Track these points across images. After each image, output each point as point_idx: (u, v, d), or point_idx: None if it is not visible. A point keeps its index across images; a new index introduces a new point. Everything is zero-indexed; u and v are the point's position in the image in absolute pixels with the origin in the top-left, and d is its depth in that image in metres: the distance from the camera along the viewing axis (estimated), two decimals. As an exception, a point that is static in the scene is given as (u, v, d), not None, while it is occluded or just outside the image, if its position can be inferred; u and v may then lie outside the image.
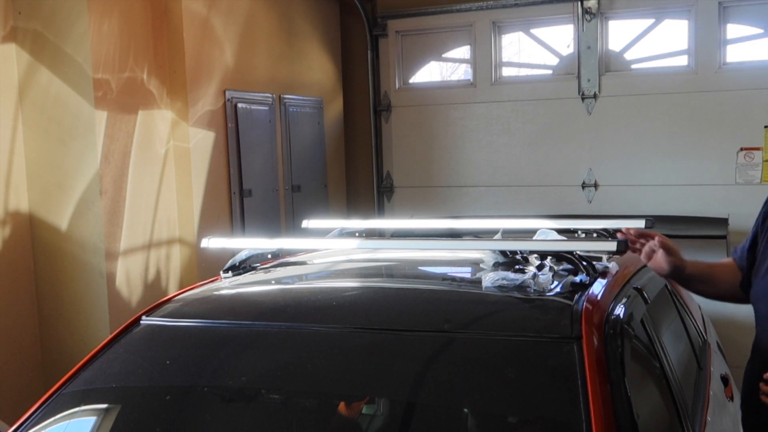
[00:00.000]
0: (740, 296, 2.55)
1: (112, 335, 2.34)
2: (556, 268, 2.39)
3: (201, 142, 4.95)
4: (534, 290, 2.22)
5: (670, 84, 5.96)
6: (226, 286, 2.64)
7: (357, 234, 3.28)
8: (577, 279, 2.33)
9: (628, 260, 2.79)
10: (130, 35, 4.48)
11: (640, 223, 3.12)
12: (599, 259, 2.62)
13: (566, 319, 2.03)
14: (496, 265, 2.41)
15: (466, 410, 1.91)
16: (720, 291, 2.59)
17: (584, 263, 2.40)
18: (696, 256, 2.59)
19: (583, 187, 6.24)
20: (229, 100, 5.22)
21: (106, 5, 4.30)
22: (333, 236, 3.22)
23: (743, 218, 2.07)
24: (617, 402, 1.81)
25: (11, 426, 2.12)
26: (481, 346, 2.01)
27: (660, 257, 2.41)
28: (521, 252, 2.43)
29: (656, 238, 2.42)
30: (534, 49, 6.97)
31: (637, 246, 2.45)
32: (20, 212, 4.30)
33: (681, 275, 2.49)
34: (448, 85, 7.37)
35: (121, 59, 4.40)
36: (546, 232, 2.83)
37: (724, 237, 5.06)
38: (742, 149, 5.74)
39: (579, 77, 6.17)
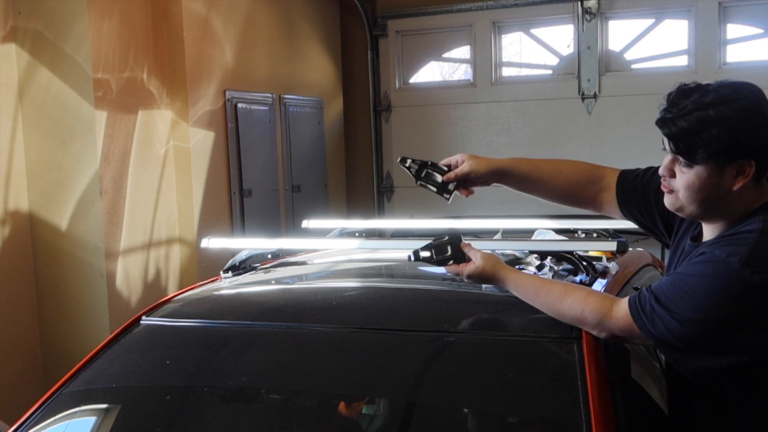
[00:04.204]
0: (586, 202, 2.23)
1: (112, 335, 2.33)
2: (556, 268, 2.39)
3: (201, 142, 4.95)
4: (534, 290, 2.21)
5: (670, 84, 5.89)
6: (226, 286, 2.63)
7: (357, 234, 3.27)
8: (577, 279, 2.32)
9: (628, 260, 2.79)
10: (130, 35, 4.48)
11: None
12: (599, 259, 2.62)
13: (566, 319, 2.03)
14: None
15: (466, 410, 1.91)
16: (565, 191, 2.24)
17: (584, 263, 2.40)
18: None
19: (583, 187, 6.23)
20: (229, 100, 5.22)
21: (106, 5, 4.30)
22: (333, 236, 3.22)
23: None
24: (617, 402, 1.80)
25: (11, 426, 2.12)
26: (481, 346, 2.00)
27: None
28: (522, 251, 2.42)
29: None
30: (534, 49, 6.98)
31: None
32: (20, 212, 4.30)
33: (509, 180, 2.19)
34: (448, 85, 7.38)
35: (121, 59, 4.40)
36: (543, 233, 2.83)
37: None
38: (742, 149, 5.73)
39: (579, 77, 6.17)
